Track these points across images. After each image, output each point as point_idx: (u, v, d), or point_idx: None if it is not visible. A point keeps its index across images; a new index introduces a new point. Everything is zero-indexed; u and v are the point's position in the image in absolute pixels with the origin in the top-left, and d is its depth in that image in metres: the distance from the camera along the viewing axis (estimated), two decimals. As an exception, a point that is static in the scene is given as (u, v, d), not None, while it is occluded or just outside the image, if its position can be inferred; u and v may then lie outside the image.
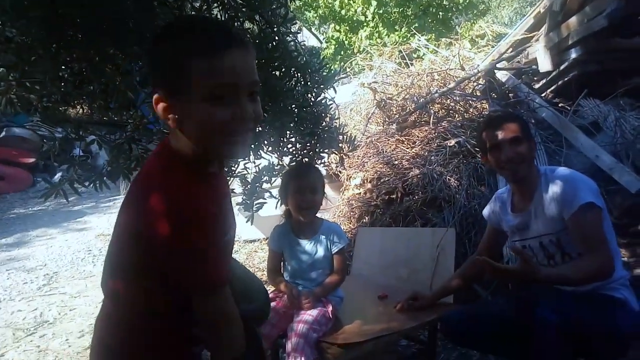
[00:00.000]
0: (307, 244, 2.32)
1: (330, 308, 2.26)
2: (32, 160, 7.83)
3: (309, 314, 2.18)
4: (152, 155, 1.14)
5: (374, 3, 9.73)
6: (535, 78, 4.46)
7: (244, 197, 2.33)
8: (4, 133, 7.54)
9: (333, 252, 2.31)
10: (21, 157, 7.70)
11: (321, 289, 2.29)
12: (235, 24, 1.98)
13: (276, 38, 1.99)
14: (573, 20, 3.88)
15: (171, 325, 1.14)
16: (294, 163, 2.38)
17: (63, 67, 1.87)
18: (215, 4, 1.94)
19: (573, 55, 3.94)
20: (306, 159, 2.40)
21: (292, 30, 2.11)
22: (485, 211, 2.32)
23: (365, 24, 10.07)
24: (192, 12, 1.97)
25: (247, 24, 2.02)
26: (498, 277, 1.83)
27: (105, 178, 1.94)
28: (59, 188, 1.86)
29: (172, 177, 1.02)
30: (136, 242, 1.04)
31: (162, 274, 1.05)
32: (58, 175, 6.72)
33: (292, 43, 2.07)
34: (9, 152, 7.50)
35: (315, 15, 11.00)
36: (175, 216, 0.97)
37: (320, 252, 2.31)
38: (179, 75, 0.96)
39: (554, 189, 1.93)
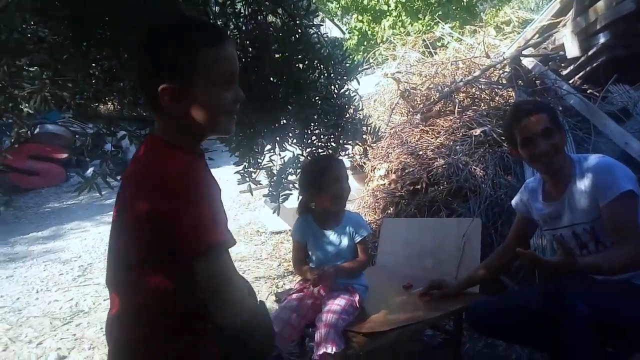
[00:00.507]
0: (331, 235, 2.35)
1: (357, 297, 2.29)
2: (65, 155, 8.04)
3: (337, 304, 2.21)
4: (140, 150, 1.23)
5: (397, -8, 9.66)
6: (562, 64, 4.38)
7: (270, 189, 2.37)
8: (37, 130, 7.76)
9: (356, 241, 2.34)
10: (54, 153, 7.92)
11: (346, 265, 2.32)
12: (259, 17, 2.01)
13: (299, 31, 2.01)
14: (600, 4, 3.79)
15: (186, 316, 1.17)
16: (311, 156, 2.40)
17: (93, 64, 1.94)
18: (239, -1, 1.98)
19: (601, 40, 3.85)
20: (330, 151, 2.43)
21: (315, 23, 2.13)
22: (514, 200, 2.30)
23: (388, 13, 9.99)
24: (216, 8, 2.01)
25: (270, 18, 2.05)
26: (539, 268, 1.81)
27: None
28: (92, 182, 1.93)
29: (163, 157, 1.12)
30: (140, 228, 1.10)
31: (171, 257, 1.09)
32: (90, 170, 6.89)
33: (314, 35, 2.09)
34: (43, 149, 7.72)
35: (337, 6, 10.97)
36: (167, 183, 1.06)
37: (345, 242, 2.34)
38: (190, 65, 1.09)
39: (590, 177, 1.90)
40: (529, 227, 2.25)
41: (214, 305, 1.12)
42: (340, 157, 2.45)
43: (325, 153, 2.41)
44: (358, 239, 2.34)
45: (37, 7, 1.71)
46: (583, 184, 1.92)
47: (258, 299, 1.31)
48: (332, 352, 2.07)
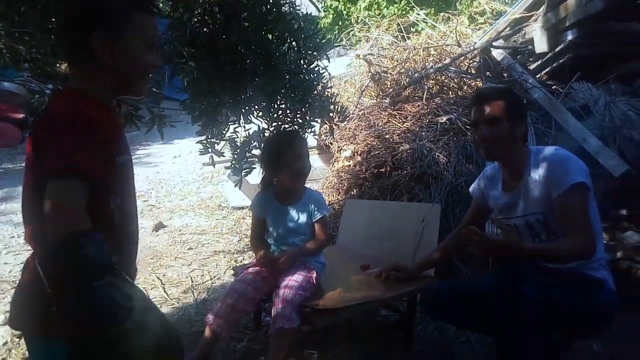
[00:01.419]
0: (291, 210, 2.35)
1: (314, 274, 2.30)
2: (21, 115, 7.72)
3: (294, 280, 2.22)
4: (51, 100, 1.29)
5: (375, -26, 9.59)
6: (530, 59, 4.46)
7: (233, 162, 2.34)
8: (-8, 87, 7.43)
9: (314, 220, 2.35)
10: (10, 112, 7.58)
11: (298, 250, 2.33)
12: (229, -16, 1.95)
13: (270, 1, 1.96)
14: (571, 1, 3.86)
15: None
16: (275, 131, 2.38)
17: (53, 19, 1.84)
18: (210, -37, 1.91)
19: (569, 37, 3.94)
20: (296, 127, 2.41)
21: (288, -6, 2.09)
22: (472, 187, 2.34)
23: (365, -6, 9.94)
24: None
25: (242, -14, 1.99)
26: (483, 247, 1.83)
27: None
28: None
29: (69, 102, 1.17)
30: (29, 166, 1.15)
31: None
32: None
33: (286, 7, 2.05)
34: (-2, 107, 7.40)
35: (315, -17, 10.84)
36: (60, 117, 1.12)
37: (303, 218, 2.34)
38: (124, 21, 1.18)
39: (544, 167, 1.93)
40: (483, 213, 2.29)
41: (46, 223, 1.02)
42: (304, 134, 2.43)
43: (290, 128, 2.39)
44: (317, 217, 2.34)
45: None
46: (537, 174, 1.95)
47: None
48: (289, 327, 2.09)
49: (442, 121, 3.90)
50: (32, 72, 2.03)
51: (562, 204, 1.87)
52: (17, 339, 2.67)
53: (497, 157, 2.06)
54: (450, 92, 4.47)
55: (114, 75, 1.20)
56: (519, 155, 2.01)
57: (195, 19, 1.95)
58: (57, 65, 2.13)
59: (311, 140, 4.44)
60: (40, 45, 1.83)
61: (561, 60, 4.07)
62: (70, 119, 1.10)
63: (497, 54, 4.47)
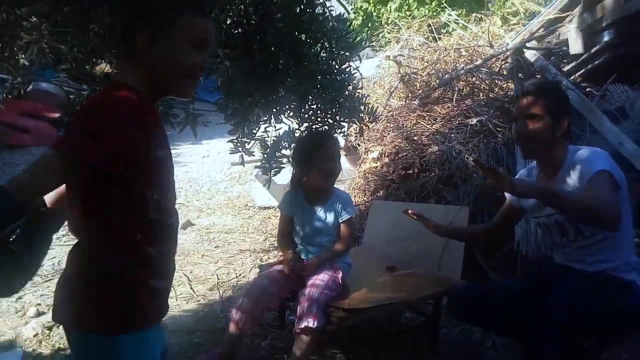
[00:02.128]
0: (319, 211, 2.36)
1: (340, 274, 2.31)
2: (57, 115, 7.93)
3: (321, 279, 2.24)
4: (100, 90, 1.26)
5: (405, -25, 9.55)
6: (564, 60, 4.37)
7: (263, 161, 2.37)
8: (31, 87, 7.64)
9: (341, 221, 2.36)
10: (47, 112, 7.79)
11: (326, 254, 2.34)
12: (264, -15, 1.98)
13: (304, 1, 1.98)
14: (608, 1, 3.77)
15: (125, 256, 1.17)
16: (307, 131, 2.40)
17: (94, 19, 1.90)
18: (245, -35, 1.94)
19: (605, 38, 3.85)
20: (326, 127, 2.42)
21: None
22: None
23: (395, -4, 9.90)
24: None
25: (276, -13, 2.02)
26: (491, 178, 1.72)
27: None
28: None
29: (111, 90, 1.16)
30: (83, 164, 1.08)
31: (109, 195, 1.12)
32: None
33: (319, 8, 2.06)
34: (35, 106, 7.59)
35: (344, -16, 10.84)
36: (105, 106, 1.09)
37: (330, 219, 2.35)
38: (172, 18, 1.17)
39: (578, 165, 1.90)
40: (513, 214, 2.25)
41: None
42: (336, 135, 2.44)
43: (322, 129, 2.40)
44: (344, 217, 2.35)
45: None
46: (571, 172, 1.91)
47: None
48: (314, 326, 2.10)
49: (473, 123, 3.86)
50: (69, 72, 2.08)
51: (588, 187, 1.81)
52: (47, 331, 2.76)
53: (533, 155, 2.03)
54: (481, 94, 4.42)
55: (159, 75, 1.19)
56: (557, 153, 1.97)
57: (230, 20, 1.99)
58: (97, 65, 2.20)
59: (340, 141, 4.46)
60: (82, 45, 1.89)
61: (597, 62, 3.98)
62: (107, 103, 1.10)
63: (531, 55, 4.40)
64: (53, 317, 1.24)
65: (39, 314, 2.94)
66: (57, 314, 1.22)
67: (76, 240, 1.22)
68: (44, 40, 1.90)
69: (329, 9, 2.16)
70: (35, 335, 2.67)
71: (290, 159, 2.36)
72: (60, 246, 4.06)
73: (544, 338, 1.74)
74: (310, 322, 2.11)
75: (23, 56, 2.01)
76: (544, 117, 1.92)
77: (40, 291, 3.25)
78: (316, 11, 2.05)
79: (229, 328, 2.28)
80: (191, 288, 3.28)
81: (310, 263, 2.29)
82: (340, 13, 2.21)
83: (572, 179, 1.91)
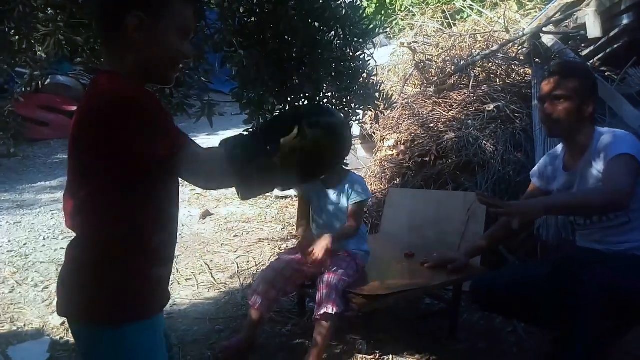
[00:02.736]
0: (332, 194, 2.40)
1: (358, 261, 2.33)
2: (74, 108, 8.00)
3: (339, 266, 2.26)
4: (92, 84, 1.23)
5: (419, -39, 9.41)
6: (582, 44, 4.28)
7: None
8: (48, 80, 7.74)
9: (350, 203, 2.37)
10: (65, 105, 7.90)
11: (337, 232, 2.35)
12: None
13: (318, -13, 1.98)
14: (628, -17, 3.69)
15: (130, 244, 1.16)
16: None
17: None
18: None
19: (624, 21, 3.76)
20: (341, 115, 2.41)
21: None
22: (534, 169, 2.29)
23: (408, -18, 9.77)
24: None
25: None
26: (502, 209, 1.75)
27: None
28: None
29: (115, 82, 1.14)
30: (94, 155, 1.11)
31: (121, 180, 1.11)
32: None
33: (333, -6, 2.05)
34: (53, 100, 7.70)
35: (357, -28, 10.74)
36: (119, 103, 1.08)
37: (344, 202, 2.38)
38: (164, 6, 1.15)
39: (602, 146, 1.90)
40: (540, 195, 2.20)
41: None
42: (349, 121, 2.43)
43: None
44: (354, 199, 2.37)
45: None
46: (597, 155, 1.91)
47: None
48: (333, 312, 2.12)
49: (490, 109, 3.82)
50: (85, 65, 2.10)
51: (605, 169, 1.84)
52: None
53: (558, 134, 2.04)
54: (497, 80, 4.36)
55: (145, 60, 1.16)
56: (583, 135, 1.97)
57: (244, 9, 1.98)
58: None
59: (355, 129, 4.44)
60: (97, 36, 1.91)
61: (616, 46, 3.90)
62: (143, 105, 1.09)
63: (548, 39, 4.32)
64: (58, 312, 1.23)
65: (64, 303, 3.00)
66: (61, 308, 1.20)
67: (73, 236, 1.20)
68: (60, 32, 1.92)
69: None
70: (62, 324, 2.73)
71: None
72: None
73: (584, 321, 1.72)
74: (329, 309, 2.12)
75: (40, 49, 2.03)
76: (571, 98, 1.92)
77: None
78: (329, -2, 2.03)
79: (249, 315, 2.33)
80: (212, 276, 3.31)
81: (322, 239, 2.28)
82: (353, 0, 2.19)
83: (598, 162, 1.90)
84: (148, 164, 1.10)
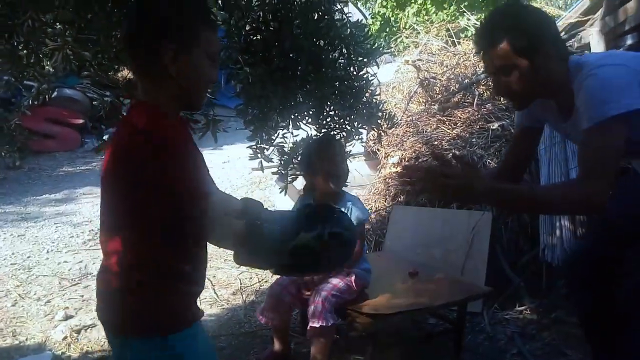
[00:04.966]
0: None
1: (352, 278, 2.31)
2: (81, 121, 8.09)
3: (331, 282, 2.26)
4: (124, 117, 1.32)
5: (424, -21, 9.51)
6: (587, 64, 4.29)
7: (280, 168, 2.37)
8: (55, 93, 7.80)
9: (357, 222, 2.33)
10: (71, 118, 7.96)
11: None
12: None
13: (322, 8, 1.99)
14: (631, 4, 3.70)
15: (170, 270, 1.23)
16: (316, 135, 2.41)
17: (117, 25, 1.93)
18: (265, -29, 1.96)
19: (629, 41, 3.77)
20: (344, 133, 2.41)
21: (339, 0, 2.10)
22: (517, 117, 1.91)
23: (413, 0, 9.86)
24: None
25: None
26: (430, 181, 1.37)
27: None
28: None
29: (155, 121, 1.20)
30: (130, 189, 1.17)
31: (160, 217, 1.17)
32: (106, 137, 6.94)
33: (337, 14, 2.07)
34: (60, 112, 7.77)
35: (363, -10, 10.87)
36: (162, 147, 1.14)
37: None
38: (193, 36, 1.21)
39: (580, 105, 1.51)
40: (532, 135, 1.83)
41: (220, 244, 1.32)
42: (337, 137, 2.41)
43: (338, 134, 2.40)
44: (356, 219, 2.31)
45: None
46: (580, 114, 1.53)
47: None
48: (318, 326, 2.14)
49: (494, 127, 3.82)
50: (92, 79, 2.12)
51: (579, 150, 1.55)
52: (76, 334, 2.80)
53: (527, 104, 1.63)
54: (502, 98, 4.37)
55: (179, 88, 1.23)
56: (557, 85, 1.55)
57: (250, 26, 2.00)
58: (119, 71, 2.23)
59: (358, 147, 4.45)
60: (105, 51, 1.93)
61: (620, 65, 3.90)
62: (180, 149, 1.17)
63: (552, 59, 4.33)
64: (108, 331, 1.29)
65: (68, 317, 2.99)
66: (113, 327, 1.27)
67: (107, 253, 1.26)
68: (68, 47, 1.93)
69: (347, 15, 2.16)
70: (64, 338, 2.72)
71: (298, 169, 2.37)
72: (87, 250, 4.14)
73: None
74: (318, 322, 2.15)
75: (48, 63, 2.05)
76: (514, 65, 1.50)
77: (69, 294, 3.31)
78: (334, 17, 2.05)
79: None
80: (214, 292, 3.29)
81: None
82: (358, 19, 2.21)
83: (580, 114, 1.54)
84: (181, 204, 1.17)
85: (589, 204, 1.45)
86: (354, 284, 2.30)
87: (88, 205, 5.48)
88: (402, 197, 3.86)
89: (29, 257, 3.97)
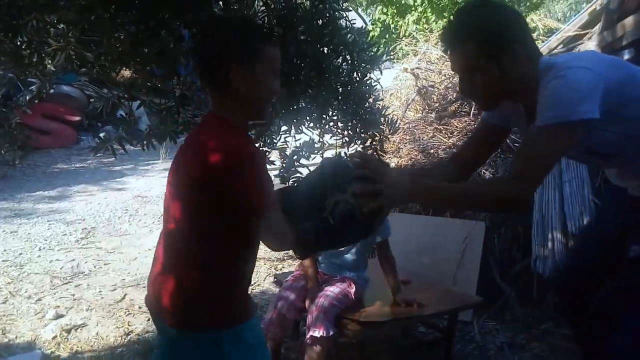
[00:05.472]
0: None
1: (353, 289, 2.31)
2: (77, 118, 8.06)
3: (331, 291, 2.25)
4: (200, 126, 1.44)
5: (425, -12, 9.58)
6: (584, 77, 4.34)
7: (281, 170, 2.38)
8: (52, 89, 7.77)
9: (381, 238, 2.37)
10: (67, 115, 7.93)
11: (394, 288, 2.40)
12: (288, -2, 2.01)
13: (327, 15, 2.01)
14: (629, 20, 3.75)
15: (234, 268, 1.36)
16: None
17: (120, 28, 1.93)
18: (271, -23, 1.97)
19: (626, 56, 3.81)
20: (347, 139, 2.42)
21: (343, 8, 2.12)
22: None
23: (413, 8, 9.92)
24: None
25: (300, -1, 2.05)
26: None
27: (152, 140, 2.01)
28: (109, 144, 1.95)
29: (227, 133, 1.32)
30: (200, 192, 1.28)
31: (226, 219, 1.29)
32: (102, 135, 6.92)
33: (341, 21, 2.08)
34: (57, 109, 7.73)
35: (363, -4, 10.93)
36: (231, 156, 1.26)
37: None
38: (259, 56, 1.33)
39: (543, 97, 1.44)
40: (493, 136, 1.75)
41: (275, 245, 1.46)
42: (353, 145, 2.41)
43: (342, 140, 2.41)
44: (383, 234, 2.36)
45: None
46: (540, 101, 1.46)
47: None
48: (319, 336, 2.12)
49: (490, 138, 3.84)
50: (91, 76, 2.14)
51: (526, 139, 1.52)
52: (66, 334, 2.78)
53: (495, 105, 1.57)
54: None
55: (249, 104, 1.35)
56: (525, 86, 1.48)
57: (254, 31, 2.01)
58: (121, 71, 2.23)
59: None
60: (108, 53, 1.93)
61: (617, 80, 3.95)
62: (249, 159, 1.26)
63: (549, 71, 4.37)
64: (172, 324, 1.35)
65: (58, 316, 2.97)
66: (177, 322, 1.35)
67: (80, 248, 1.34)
68: (71, 48, 1.93)
69: (353, 22, 2.18)
70: (53, 338, 2.70)
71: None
72: (79, 249, 4.12)
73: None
74: (319, 332, 2.13)
75: (50, 62, 2.05)
76: (480, 65, 1.46)
77: (60, 293, 3.29)
78: (338, 25, 2.07)
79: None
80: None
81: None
82: (361, 27, 2.23)
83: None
84: (247, 212, 1.29)
85: (515, 205, 1.44)
86: (352, 295, 2.31)
87: (82, 203, 5.46)
88: (397, 204, 3.88)
89: (20, 254, 3.95)
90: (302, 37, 1.98)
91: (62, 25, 1.98)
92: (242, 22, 1.44)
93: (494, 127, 1.71)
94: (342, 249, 2.36)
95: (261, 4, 2.06)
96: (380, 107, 2.27)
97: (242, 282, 1.40)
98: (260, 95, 1.36)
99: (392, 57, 6.15)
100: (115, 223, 4.85)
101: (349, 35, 2.10)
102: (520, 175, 1.42)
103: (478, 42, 1.44)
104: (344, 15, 2.11)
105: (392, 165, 4.16)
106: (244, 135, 1.39)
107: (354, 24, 2.20)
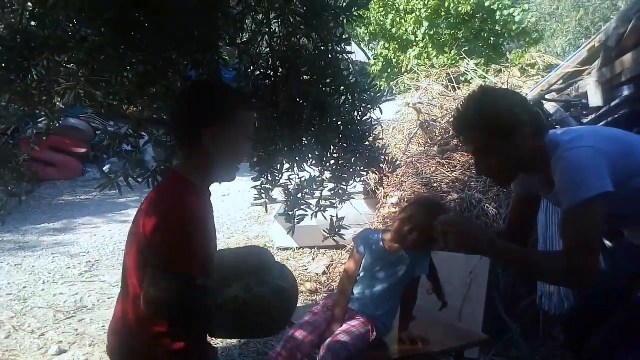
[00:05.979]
0: (391, 257, 2.14)
1: (374, 335, 2.15)
2: (83, 150, 8.15)
3: (347, 333, 2.08)
4: (160, 182, 1.53)
5: (425, 24, 9.75)
6: (584, 112, 4.39)
7: (286, 209, 2.40)
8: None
9: (414, 276, 2.18)
10: (73, 147, 8.03)
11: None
12: (293, 39, 2.06)
13: (329, 56, 2.06)
14: (628, 57, 3.81)
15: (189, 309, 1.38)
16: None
17: (129, 67, 1.99)
18: (276, 20, 2.04)
19: (626, 92, 3.86)
20: (346, 175, 2.45)
21: (346, 50, 2.18)
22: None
23: (415, 43, 10.10)
24: (253, 26, 2.07)
25: (303, 41, 2.10)
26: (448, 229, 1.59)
27: (157, 176, 2.04)
28: (114, 181, 1.98)
29: (180, 191, 1.34)
30: (138, 244, 1.33)
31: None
32: (107, 167, 6.98)
33: (344, 62, 2.14)
34: (62, 141, 7.83)
35: (365, 31, 11.12)
36: (172, 212, 1.29)
37: (401, 273, 2.15)
38: (232, 119, 1.37)
39: (557, 183, 1.59)
40: (531, 203, 1.90)
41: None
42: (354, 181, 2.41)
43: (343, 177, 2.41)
44: (421, 272, 2.20)
45: (84, 7, 1.77)
46: (556, 184, 1.61)
47: None
48: None
49: (492, 172, 3.86)
50: (105, 114, 2.20)
51: (563, 227, 1.64)
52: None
53: (510, 182, 1.77)
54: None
55: (216, 164, 1.37)
56: (536, 161, 1.63)
57: (259, 72, 2.07)
58: (128, 109, 2.29)
59: (358, 186, 4.49)
60: (116, 92, 1.98)
61: (617, 115, 3.99)
62: (190, 221, 1.28)
63: (550, 107, 4.42)
64: None
65: (61, 351, 2.96)
66: None
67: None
68: (80, 87, 1.99)
69: (356, 63, 2.23)
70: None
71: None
72: (83, 282, 4.12)
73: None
74: None
75: (59, 100, 2.11)
76: (491, 148, 1.60)
77: (63, 328, 3.27)
78: (340, 66, 2.12)
79: None
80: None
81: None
82: (362, 63, 2.28)
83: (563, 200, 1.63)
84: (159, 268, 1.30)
85: (579, 277, 1.53)
86: (370, 340, 2.13)
87: (86, 235, 5.48)
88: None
89: (24, 287, 3.94)
90: (305, 78, 2.03)
91: (72, 65, 2.04)
92: (218, 86, 1.49)
93: (523, 196, 1.88)
94: (379, 282, 2.18)
95: (265, 44, 2.12)
96: (380, 145, 2.31)
97: (194, 334, 1.40)
98: (231, 158, 1.39)
99: (394, 96, 6.25)
100: (119, 256, 4.85)
101: (350, 77, 2.15)
102: (573, 250, 1.52)
103: (487, 128, 1.58)
104: (347, 57, 2.16)
105: (396, 198, 4.17)
106: (198, 198, 1.36)
107: (353, 54, 2.26)
